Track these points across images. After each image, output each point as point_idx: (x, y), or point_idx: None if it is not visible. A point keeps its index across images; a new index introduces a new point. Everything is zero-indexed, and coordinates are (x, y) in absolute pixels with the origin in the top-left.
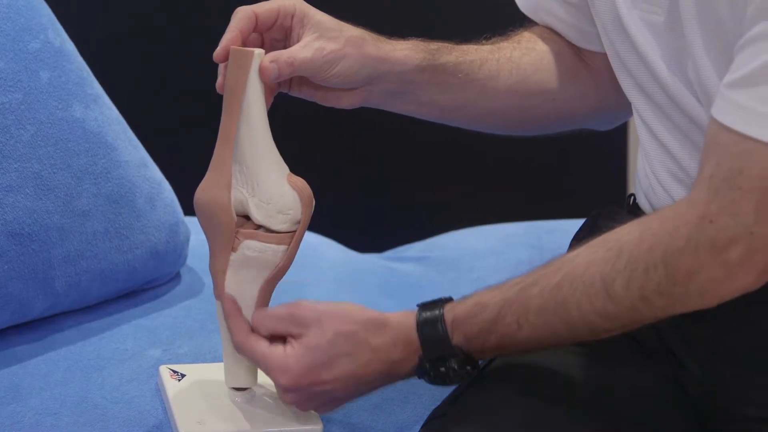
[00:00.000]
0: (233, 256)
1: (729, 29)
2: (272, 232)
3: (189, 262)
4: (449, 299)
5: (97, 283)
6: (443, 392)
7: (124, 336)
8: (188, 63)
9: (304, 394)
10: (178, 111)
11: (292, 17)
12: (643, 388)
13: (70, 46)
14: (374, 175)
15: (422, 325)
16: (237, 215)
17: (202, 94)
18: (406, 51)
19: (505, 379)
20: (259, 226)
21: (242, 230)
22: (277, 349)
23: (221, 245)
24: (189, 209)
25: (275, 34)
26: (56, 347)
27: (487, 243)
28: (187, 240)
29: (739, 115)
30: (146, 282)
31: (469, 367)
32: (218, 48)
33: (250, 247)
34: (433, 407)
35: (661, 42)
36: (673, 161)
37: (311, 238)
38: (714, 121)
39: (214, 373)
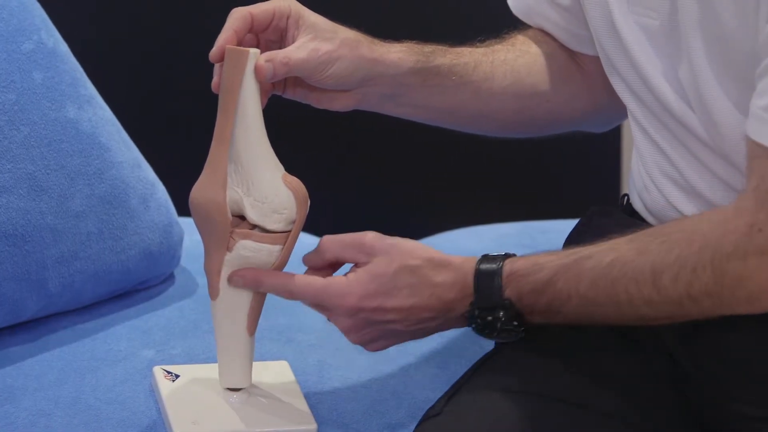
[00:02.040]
0: (228, 256)
1: (734, 39)
2: (267, 231)
3: (183, 262)
4: (512, 255)
5: (91, 283)
6: (437, 393)
7: (118, 337)
8: (183, 63)
9: (362, 321)
10: (172, 111)
11: (288, 18)
12: (642, 388)
13: (64, 47)
14: (369, 175)
15: (479, 274)
16: (232, 215)
17: (197, 94)
18: (400, 53)
19: (499, 377)
20: (254, 226)
21: (237, 230)
22: (339, 277)
23: (216, 245)
24: (183, 210)
25: (270, 35)
26: (50, 348)
27: (481, 243)
28: (181, 241)
29: None
30: (140, 283)
31: (516, 323)
32: (214, 48)
33: (246, 246)
34: (428, 407)
35: (655, 46)
36: (667, 161)
37: (306, 239)
38: (751, 141)
39: (208, 373)
